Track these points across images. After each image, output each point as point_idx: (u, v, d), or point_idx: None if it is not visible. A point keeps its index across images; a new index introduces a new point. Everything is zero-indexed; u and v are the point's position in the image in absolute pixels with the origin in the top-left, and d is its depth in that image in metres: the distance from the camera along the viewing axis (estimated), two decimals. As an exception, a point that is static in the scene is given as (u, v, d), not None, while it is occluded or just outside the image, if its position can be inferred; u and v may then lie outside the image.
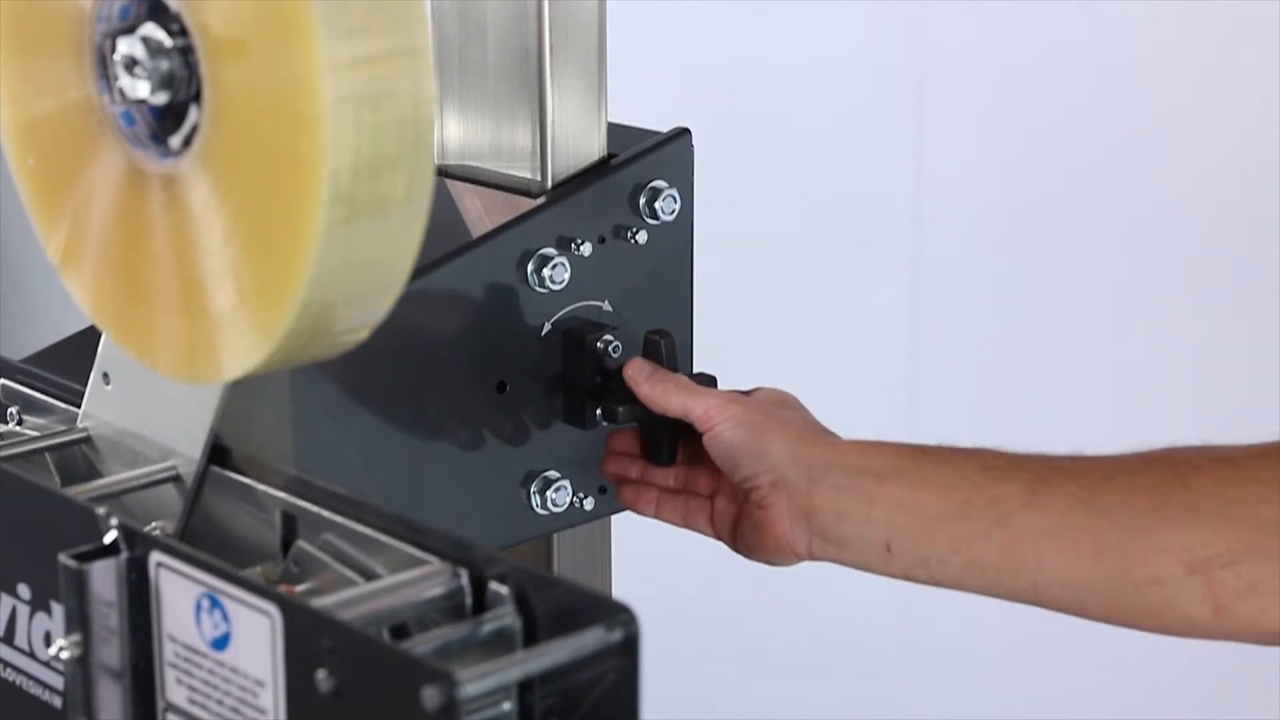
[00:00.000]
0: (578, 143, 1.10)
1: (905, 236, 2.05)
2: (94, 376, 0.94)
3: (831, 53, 2.06)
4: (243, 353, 0.78)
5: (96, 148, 0.82)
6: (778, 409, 1.07)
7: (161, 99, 0.78)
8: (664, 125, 1.12)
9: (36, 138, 0.85)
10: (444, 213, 1.04)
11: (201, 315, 0.79)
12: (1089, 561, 0.97)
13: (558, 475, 1.10)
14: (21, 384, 0.99)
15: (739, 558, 1.09)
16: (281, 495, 0.86)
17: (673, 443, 1.09)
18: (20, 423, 0.99)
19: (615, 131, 1.13)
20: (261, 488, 0.87)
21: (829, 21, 2.04)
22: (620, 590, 1.20)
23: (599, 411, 1.08)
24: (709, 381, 1.09)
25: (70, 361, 0.99)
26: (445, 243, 1.06)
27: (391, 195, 0.75)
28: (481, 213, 1.10)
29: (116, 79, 0.79)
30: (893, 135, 2.04)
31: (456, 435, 1.07)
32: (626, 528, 1.19)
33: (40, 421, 0.98)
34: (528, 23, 1.07)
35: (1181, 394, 1.91)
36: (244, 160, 0.76)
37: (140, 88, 0.78)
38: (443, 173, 1.13)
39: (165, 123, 0.79)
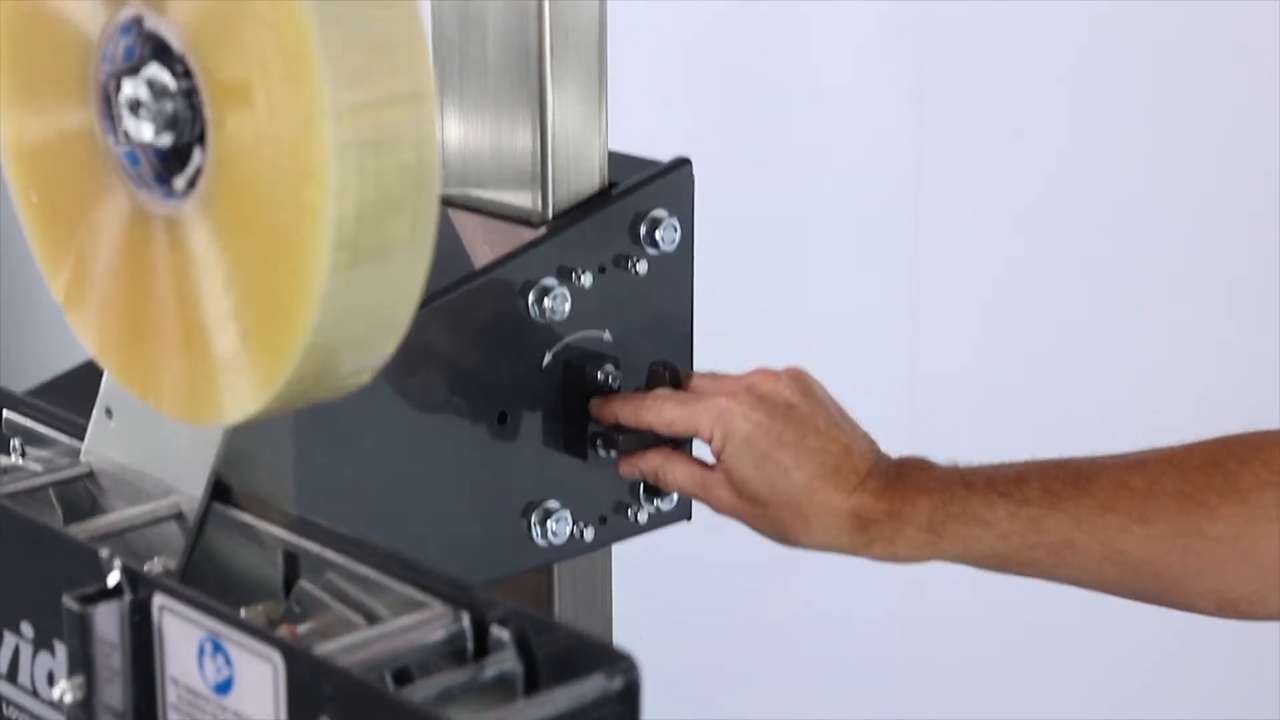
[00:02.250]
0: (579, 141, 1.10)
1: (907, 238, 2.05)
2: (97, 412, 0.94)
3: (832, 52, 2.05)
4: (245, 397, 0.78)
5: (100, 186, 0.82)
6: (782, 479, 1.06)
7: (165, 141, 0.78)
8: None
9: (40, 174, 0.85)
10: (446, 241, 1.04)
11: (204, 358, 0.79)
12: (1129, 595, 1.04)
13: (558, 505, 1.10)
14: (24, 416, 0.99)
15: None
16: (283, 535, 0.86)
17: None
18: (24, 455, 0.99)
19: (615, 160, 1.13)
20: (264, 526, 0.87)
21: (829, 21, 2.04)
22: (620, 609, 1.20)
23: (599, 440, 1.08)
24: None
25: (74, 394, 0.99)
26: (447, 272, 1.06)
27: (395, 240, 0.75)
28: (482, 242, 1.10)
29: (121, 120, 0.80)
30: (893, 135, 2.04)
31: (457, 466, 1.07)
32: (627, 554, 1.19)
33: (43, 454, 0.99)
34: (528, 22, 1.07)
35: (1182, 392, 1.91)
36: (247, 204, 0.76)
37: (144, 130, 0.78)
38: (445, 201, 1.13)
39: (169, 164, 0.80)
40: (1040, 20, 1.92)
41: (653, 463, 1.08)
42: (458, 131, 1.13)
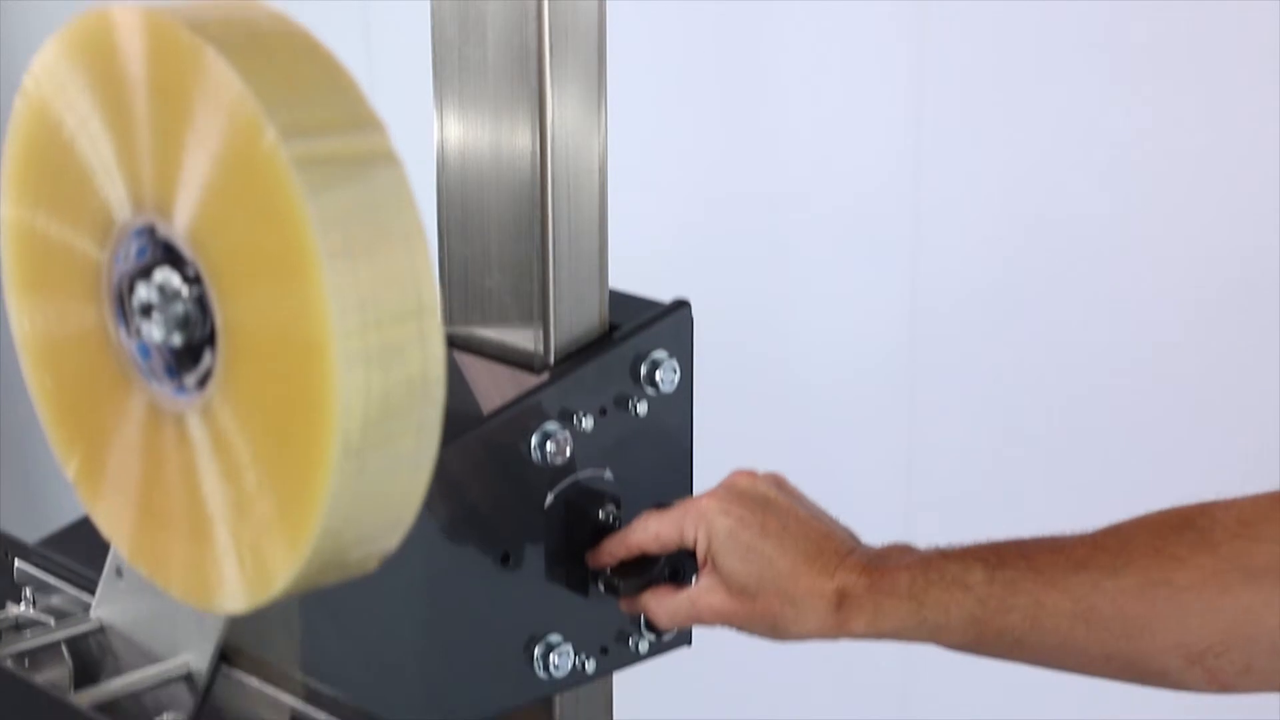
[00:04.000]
0: (579, 141, 1.10)
1: (906, 237, 2.04)
2: (107, 570, 0.96)
3: (832, 51, 2.05)
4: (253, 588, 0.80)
5: (112, 378, 0.84)
6: (764, 580, 1.08)
7: (176, 341, 0.80)
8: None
9: (53, 362, 0.87)
10: (453, 386, 1.06)
11: (212, 547, 0.81)
12: (1100, 663, 1.04)
13: (559, 639, 1.12)
14: (35, 566, 1.01)
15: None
16: (289, 700, 0.88)
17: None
18: (34, 604, 1.01)
19: (615, 298, 1.14)
20: (270, 691, 0.89)
21: (829, 20, 2.04)
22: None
23: (601, 585, 1.10)
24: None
25: (85, 544, 1.01)
26: (454, 418, 1.07)
27: (400, 449, 0.77)
28: (487, 388, 1.12)
29: (133, 319, 0.82)
30: (893, 134, 2.03)
31: (460, 604, 1.09)
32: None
33: (53, 602, 1.01)
34: (527, 23, 1.07)
35: (1181, 395, 1.91)
36: (255, 409, 0.78)
37: (156, 331, 0.80)
38: (450, 341, 1.15)
39: (181, 359, 0.82)
40: (1040, 19, 1.90)
41: (644, 606, 1.10)
42: (457, 131, 1.13)
